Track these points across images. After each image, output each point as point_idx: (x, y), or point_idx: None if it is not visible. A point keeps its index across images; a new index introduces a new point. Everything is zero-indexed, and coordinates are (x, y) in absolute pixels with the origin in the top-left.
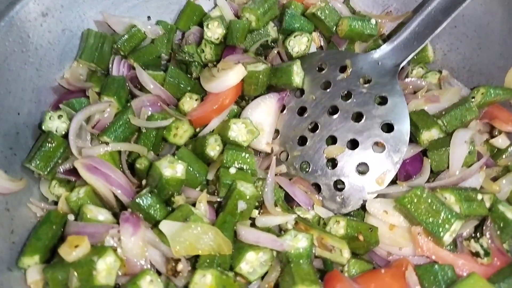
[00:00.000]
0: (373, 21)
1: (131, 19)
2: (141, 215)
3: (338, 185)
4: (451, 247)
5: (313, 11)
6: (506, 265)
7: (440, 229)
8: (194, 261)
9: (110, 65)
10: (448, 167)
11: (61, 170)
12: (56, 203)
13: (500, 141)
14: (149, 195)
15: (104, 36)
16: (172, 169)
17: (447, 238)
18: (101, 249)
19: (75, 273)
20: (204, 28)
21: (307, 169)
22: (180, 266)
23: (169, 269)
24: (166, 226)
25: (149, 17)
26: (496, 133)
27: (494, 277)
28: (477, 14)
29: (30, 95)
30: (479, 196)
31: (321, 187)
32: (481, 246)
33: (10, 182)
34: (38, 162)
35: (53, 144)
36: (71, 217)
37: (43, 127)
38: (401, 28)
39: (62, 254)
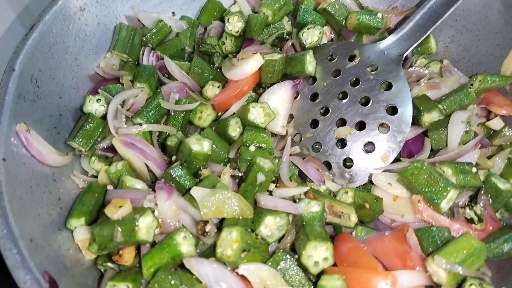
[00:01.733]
0: (379, 15)
1: (158, 14)
2: (173, 184)
3: (347, 163)
4: (448, 215)
5: (324, 6)
6: (497, 230)
7: (438, 197)
8: (220, 224)
9: (141, 56)
10: (446, 146)
11: (100, 147)
12: (95, 176)
13: (495, 123)
14: (180, 167)
15: (135, 29)
16: (200, 145)
17: (444, 205)
18: (142, 210)
19: (119, 229)
20: (225, 22)
21: (319, 149)
22: (208, 227)
23: (199, 229)
24: (196, 191)
25: (173, 13)
26: (492, 117)
27: (485, 239)
28: (476, 8)
29: (70, 82)
30: (474, 169)
31: (332, 165)
32: (475, 213)
33: (59, 156)
34: (80, 140)
35: (93, 124)
36: (110, 187)
37: (83, 109)
38: (405, 21)
39: (107, 214)
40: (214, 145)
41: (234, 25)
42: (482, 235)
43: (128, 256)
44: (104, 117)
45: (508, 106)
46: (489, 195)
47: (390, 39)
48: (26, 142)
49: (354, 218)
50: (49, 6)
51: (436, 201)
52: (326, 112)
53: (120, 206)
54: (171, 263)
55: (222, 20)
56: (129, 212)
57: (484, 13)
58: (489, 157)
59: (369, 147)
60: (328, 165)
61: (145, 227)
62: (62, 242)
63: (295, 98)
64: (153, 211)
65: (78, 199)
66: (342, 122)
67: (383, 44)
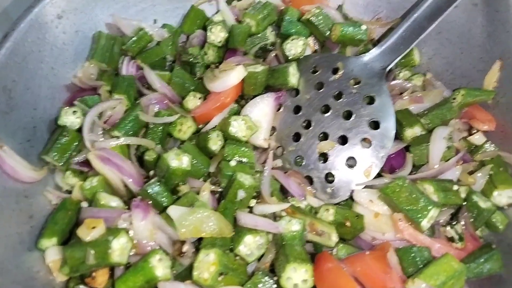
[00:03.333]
0: (363, 27)
1: (139, 22)
2: (150, 202)
3: (329, 178)
4: (429, 233)
5: (308, 17)
6: (477, 249)
7: (419, 216)
8: (198, 244)
9: (120, 65)
10: (428, 162)
11: (75, 161)
12: (69, 192)
13: (477, 138)
14: (157, 184)
15: (114, 38)
16: (178, 160)
17: (425, 224)
18: (116, 231)
19: (92, 252)
20: (208, 32)
21: (301, 163)
22: (185, 247)
23: (176, 249)
24: (173, 211)
25: (155, 20)
26: (474, 131)
27: (466, 259)
28: (459, 21)
29: (46, 92)
30: (455, 187)
31: (313, 180)
32: (456, 232)
33: (33, 171)
34: (54, 154)
35: (68, 138)
36: (84, 204)
37: (59, 122)
38: (389, 33)
39: (80, 235)
40: (194, 159)
41: (217, 35)
42: (463, 254)
43: (101, 279)
44: (80, 130)
45: (490, 121)
46: (470, 214)
47: (374, 51)
48: None
49: (334, 238)
50: (24, 13)
51: (417, 220)
52: (308, 125)
53: (93, 227)
54: (146, 287)
55: (205, 29)
56: (102, 233)
57: (468, 26)
58: (471, 173)
59: (351, 162)
60: (310, 180)
61: (119, 249)
62: (32, 263)
63: (278, 110)
64: (127, 232)
65: (50, 217)
66: (325, 136)
67: (367, 57)
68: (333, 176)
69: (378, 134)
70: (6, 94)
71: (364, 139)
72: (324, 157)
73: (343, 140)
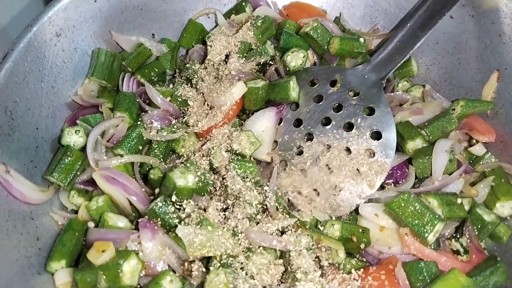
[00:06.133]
0: (362, 39)
1: (138, 37)
2: (157, 221)
3: (334, 190)
4: (435, 246)
5: (306, 30)
6: (482, 261)
7: (425, 230)
8: (207, 262)
9: (120, 82)
10: (431, 174)
11: (79, 181)
12: (75, 211)
13: (478, 149)
14: (164, 202)
15: (114, 54)
16: (184, 179)
17: (431, 238)
18: (125, 253)
19: (103, 275)
20: (208, 48)
21: (305, 177)
22: (194, 267)
23: (185, 270)
24: (182, 231)
25: (153, 35)
26: (474, 141)
27: (472, 272)
28: (456, 31)
29: (46, 111)
30: (459, 200)
31: (319, 193)
32: (461, 245)
33: (41, 192)
34: (58, 174)
35: (72, 157)
36: (91, 224)
37: (62, 142)
38: (384, 44)
39: (90, 259)
40: (199, 177)
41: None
42: (468, 266)
43: None
44: (83, 149)
45: (490, 133)
46: (474, 226)
47: (370, 62)
48: (6, 184)
49: (342, 254)
50: (23, 33)
51: (423, 234)
52: (310, 138)
53: (103, 250)
54: None
55: (204, 43)
56: (112, 256)
57: (464, 37)
58: (472, 184)
59: (356, 174)
60: (315, 192)
61: (130, 272)
62: (43, 286)
63: (279, 124)
64: (137, 253)
65: (58, 238)
66: (327, 148)
67: (363, 68)
68: (338, 188)
69: (380, 145)
70: (8, 116)
71: (367, 150)
72: (328, 169)
73: (346, 152)
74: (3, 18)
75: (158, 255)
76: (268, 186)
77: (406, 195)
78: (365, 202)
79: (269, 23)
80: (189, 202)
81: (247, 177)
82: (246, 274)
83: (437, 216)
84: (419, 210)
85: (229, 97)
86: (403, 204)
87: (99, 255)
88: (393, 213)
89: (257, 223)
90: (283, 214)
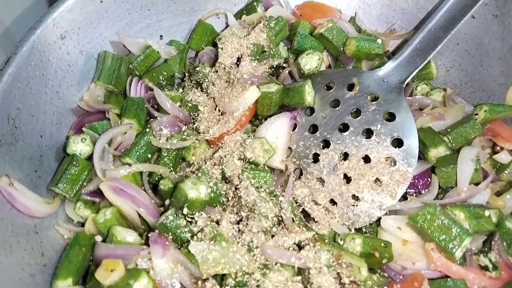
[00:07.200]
0: (379, 41)
1: (146, 39)
2: (168, 235)
3: (353, 200)
4: (461, 261)
5: (321, 31)
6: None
7: (452, 245)
8: (221, 279)
9: (127, 86)
10: (455, 183)
11: (86, 191)
12: (81, 224)
13: (503, 157)
14: (175, 216)
15: (121, 58)
16: (196, 190)
17: (459, 253)
18: (136, 272)
19: None
20: (219, 50)
21: (322, 186)
22: (208, 285)
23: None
24: (194, 247)
25: (161, 36)
26: (498, 148)
27: None
28: (478, 32)
29: (51, 118)
30: (487, 213)
31: (337, 203)
32: (490, 260)
33: (46, 205)
34: (63, 185)
35: (78, 167)
36: (98, 238)
37: (67, 151)
38: (404, 46)
39: (99, 279)
40: (211, 187)
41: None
42: (498, 284)
43: None
44: (89, 158)
45: None
46: (503, 241)
47: (389, 65)
48: (10, 197)
49: (365, 272)
50: (26, 36)
51: (450, 250)
52: (327, 145)
53: (112, 270)
54: None
55: (214, 45)
56: (122, 275)
57: (487, 38)
58: (498, 194)
59: (376, 183)
60: (333, 203)
61: None
62: None
63: (293, 130)
64: (147, 272)
65: (64, 254)
66: (345, 156)
67: (382, 71)
68: (357, 198)
69: (401, 152)
70: (11, 124)
71: (387, 158)
72: (346, 178)
73: (366, 160)
74: (6, 19)
75: (169, 273)
76: (283, 196)
77: (432, 208)
78: (385, 214)
79: (283, 24)
80: (201, 214)
81: (261, 187)
82: None
83: (465, 230)
84: (446, 224)
85: (242, 102)
86: (429, 217)
87: (108, 275)
88: (418, 226)
89: (273, 236)
90: (299, 227)
